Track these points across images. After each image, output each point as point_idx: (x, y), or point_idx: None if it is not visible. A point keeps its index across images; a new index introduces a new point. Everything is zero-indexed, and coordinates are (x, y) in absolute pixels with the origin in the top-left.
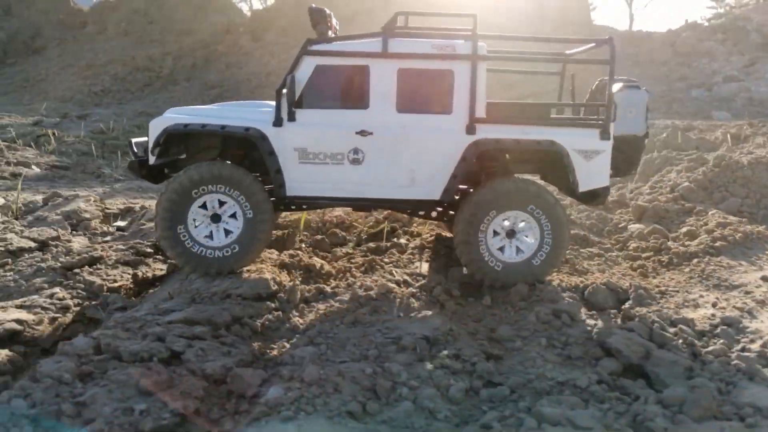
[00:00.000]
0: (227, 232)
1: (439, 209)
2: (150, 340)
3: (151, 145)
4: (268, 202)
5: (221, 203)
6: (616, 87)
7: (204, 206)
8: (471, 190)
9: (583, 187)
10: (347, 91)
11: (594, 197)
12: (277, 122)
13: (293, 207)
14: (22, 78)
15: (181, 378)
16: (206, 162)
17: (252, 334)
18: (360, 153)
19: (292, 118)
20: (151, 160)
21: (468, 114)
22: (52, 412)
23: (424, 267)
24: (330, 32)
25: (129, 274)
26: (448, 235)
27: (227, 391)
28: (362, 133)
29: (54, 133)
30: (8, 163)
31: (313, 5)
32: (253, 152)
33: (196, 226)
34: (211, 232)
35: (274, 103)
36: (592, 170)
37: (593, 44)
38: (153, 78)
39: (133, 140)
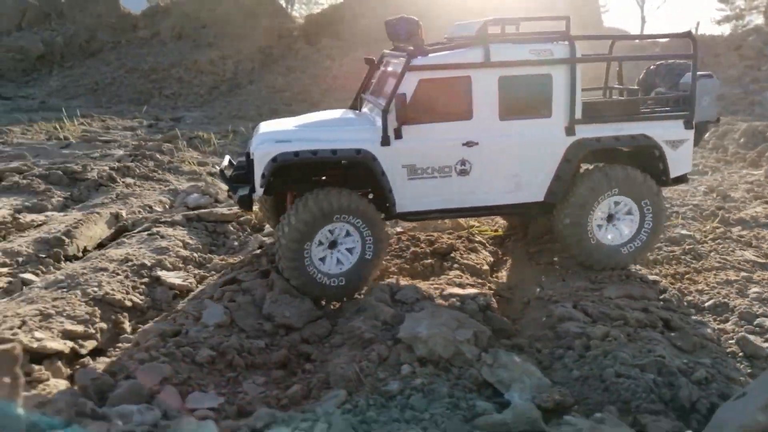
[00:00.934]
0: (338, 262)
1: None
2: None
3: (258, 175)
4: (387, 242)
5: (347, 234)
6: (688, 77)
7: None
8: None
9: (673, 174)
10: (451, 103)
11: (679, 181)
12: (385, 141)
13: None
14: (89, 81)
15: None
16: (341, 190)
17: None
18: (467, 164)
19: (399, 135)
20: (259, 192)
21: (567, 116)
22: None
23: None
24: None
25: None
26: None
27: None
28: (468, 144)
29: (206, 135)
30: (201, 163)
31: (404, 15)
32: (350, 171)
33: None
34: (325, 256)
35: (350, 115)
36: (679, 158)
37: (669, 37)
38: (218, 81)
39: (223, 168)
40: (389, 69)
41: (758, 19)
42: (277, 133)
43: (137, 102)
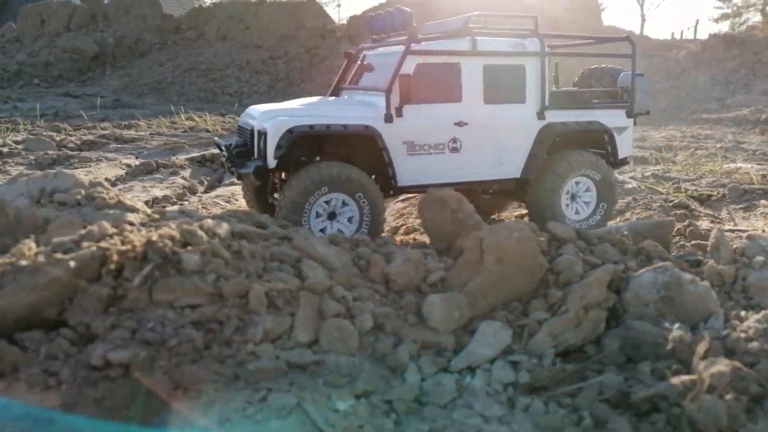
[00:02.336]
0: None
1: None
2: None
3: (272, 147)
4: (383, 208)
5: (344, 204)
6: (625, 76)
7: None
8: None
9: (620, 156)
10: (444, 86)
11: (623, 163)
12: (388, 119)
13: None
14: (150, 80)
15: None
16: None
17: None
18: (458, 142)
19: (400, 114)
20: (272, 163)
21: (538, 102)
22: None
23: None
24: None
25: None
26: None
27: None
28: (459, 123)
29: None
30: None
31: (399, 6)
32: (351, 148)
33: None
34: (325, 227)
35: (345, 99)
36: (623, 142)
37: (611, 40)
38: (273, 80)
39: (220, 142)
40: (370, 62)
41: (756, 17)
42: (287, 110)
43: (204, 100)
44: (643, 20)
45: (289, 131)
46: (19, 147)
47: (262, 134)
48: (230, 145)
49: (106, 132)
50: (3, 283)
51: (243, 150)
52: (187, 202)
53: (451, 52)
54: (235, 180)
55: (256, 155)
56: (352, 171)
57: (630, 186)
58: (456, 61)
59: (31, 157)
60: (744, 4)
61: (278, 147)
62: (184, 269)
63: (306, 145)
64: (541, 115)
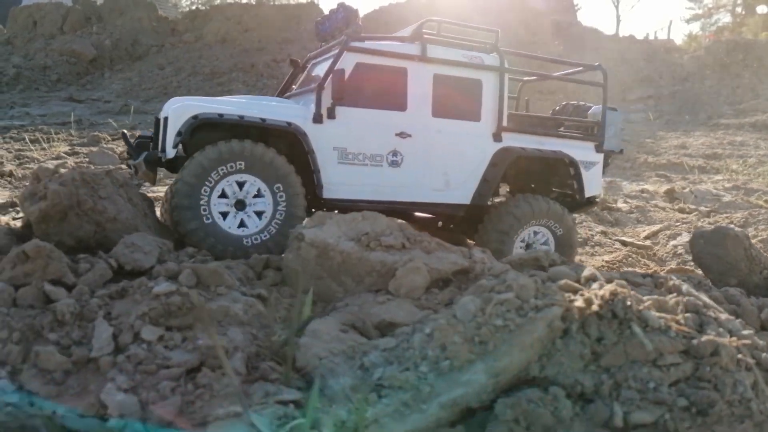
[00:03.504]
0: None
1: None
2: None
3: (171, 134)
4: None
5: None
6: (597, 109)
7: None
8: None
9: (586, 194)
10: (386, 91)
11: (590, 204)
12: (317, 119)
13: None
14: (153, 84)
15: None
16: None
17: None
18: (399, 155)
19: (332, 115)
20: (170, 153)
21: (495, 122)
22: None
23: None
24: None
25: None
26: None
27: None
28: (402, 134)
29: None
30: None
31: (344, 2)
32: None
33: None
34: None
35: (276, 98)
36: (591, 178)
37: (581, 68)
38: (279, 84)
39: (126, 132)
40: (316, 71)
41: (726, 18)
42: (201, 100)
43: None
44: (619, 21)
45: (193, 117)
46: (85, 161)
47: (165, 120)
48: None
49: None
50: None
51: (144, 141)
52: None
53: (396, 55)
54: None
55: (158, 145)
56: (279, 158)
57: (727, 199)
58: (403, 66)
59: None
60: (715, 5)
61: (178, 134)
62: (648, 327)
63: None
64: (497, 137)
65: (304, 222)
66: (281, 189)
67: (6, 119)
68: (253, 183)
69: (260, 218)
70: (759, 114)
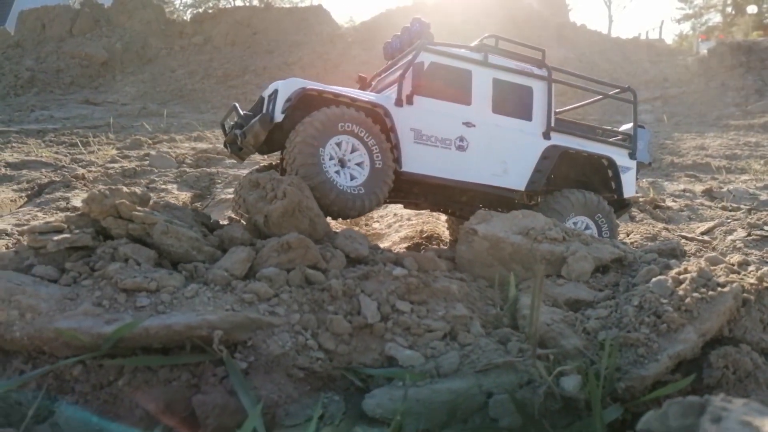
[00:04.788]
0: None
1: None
2: None
3: (281, 102)
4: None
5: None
6: (628, 126)
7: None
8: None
9: (624, 195)
10: (454, 88)
11: (624, 206)
12: (398, 103)
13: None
14: (170, 87)
15: None
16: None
17: None
18: (465, 141)
19: (410, 102)
20: (278, 117)
21: (544, 123)
22: None
23: None
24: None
25: None
26: None
27: None
28: (468, 124)
29: None
30: None
31: (420, 18)
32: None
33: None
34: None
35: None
36: (627, 182)
37: (619, 89)
38: None
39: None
40: (384, 83)
41: (716, 17)
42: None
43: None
44: (611, 21)
45: (303, 89)
46: (145, 164)
47: (275, 93)
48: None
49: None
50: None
51: (249, 115)
52: None
53: (463, 58)
54: None
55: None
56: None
57: (763, 198)
58: (468, 68)
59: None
60: (705, 5)
61: (287, 100)
62: None
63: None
64: (546, 135)
65: (471, 219)
66: (377, 148)
67: (33, 122)
68: (347, 141)
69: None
70: (767, 116)
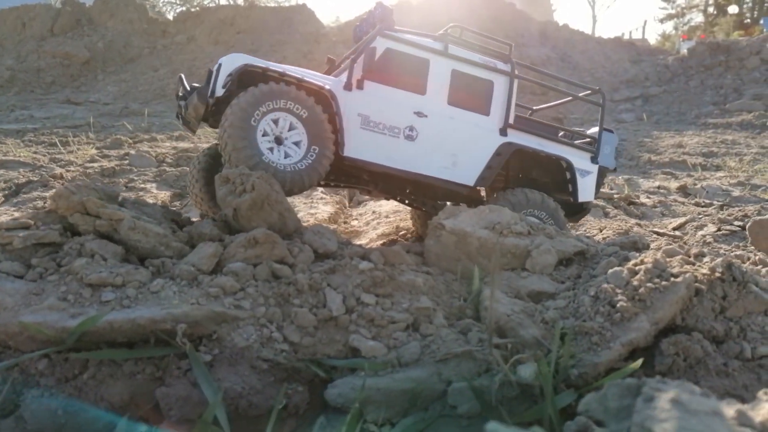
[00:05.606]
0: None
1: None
2: None
3: (222, 77)
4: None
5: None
6: (594, 129)
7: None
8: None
9: (580, 199)
10: (409, 76)
11: (581, 210)
12: (347, 87)
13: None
14: (151, 86)
15: None
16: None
17: None
18: (414, 131)
19: (360, 86)
20: (219, 91)
21: (502, 119)
22: None
23: None
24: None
25: None
26: None
27: None
28: (419, 114)
29: None
30: None
31: (382, 2)
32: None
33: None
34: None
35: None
36: (586, 186)
37: (589, 91)
38: None
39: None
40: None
41: (698, 17)
42: (250, 57)
43: None
44: (594, 21)
45: (245, 65)
46: (124, 164)
47: (218, 67)
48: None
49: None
50: (651, 300)
51: (196, 87)
52: None
53: (421, 47)
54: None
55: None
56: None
57: (735, 194)
58: (426, 57)
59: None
60: (687, 5)
61: (228, 75)
62: (759, 286)
63: None
64: (503, 132)
65: (439, 214)
66: (316, 129)
67: (12, 122)
68: (285, 118)
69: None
70: (744, 114)
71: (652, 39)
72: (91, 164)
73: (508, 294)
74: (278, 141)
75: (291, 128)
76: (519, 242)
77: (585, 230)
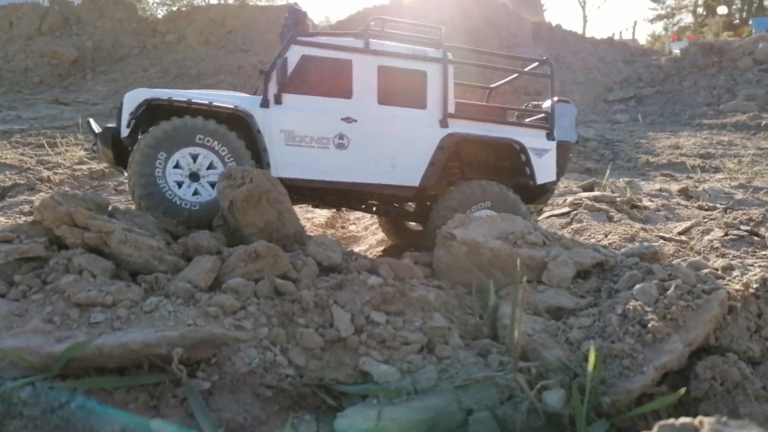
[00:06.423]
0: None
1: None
2: None
3: (126, 116)
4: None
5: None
6: (550, 102)
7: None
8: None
9: (539, 180)
10: (332, 81)
11: (544, 192)
12: (264, 104)
13: None
14: (141, 86)
15: None
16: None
17: None
18: (345, 138)
19: (279, 101)
20: (124, 132)
21: (441, 110)
22: None
23: None
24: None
25: None
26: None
27: None
28: (347, 119)
29: None
30: None
31: (294, 6)
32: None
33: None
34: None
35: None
36: (544, 165)
37: (537, 63)
38: None
39: (91, 120)
40: None
41: (687, 18)
42: (154, 89)
43: None
44: (585, 21)
45: (145, 100)
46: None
47: (121, 106)
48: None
49: None
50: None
51: (109, 128)
52: None
53: (340, 48)
54: None
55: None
56: (230, 133)
57: (738, 197)
58: (347, 58)
59: None
60: (677, 5)
61: (130, 114)
62: None
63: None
64: (444, 123)
65: (449, 223)
66: (227, 153)
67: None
68: (206, 156)
69: (214, 188)
70: (738, 114)
71: (642, 39)
72: (80, 166)
73: (526, 310)
74: (194, 177)
75: (210, 167)
76: (534, 253)
77: (590, 235)
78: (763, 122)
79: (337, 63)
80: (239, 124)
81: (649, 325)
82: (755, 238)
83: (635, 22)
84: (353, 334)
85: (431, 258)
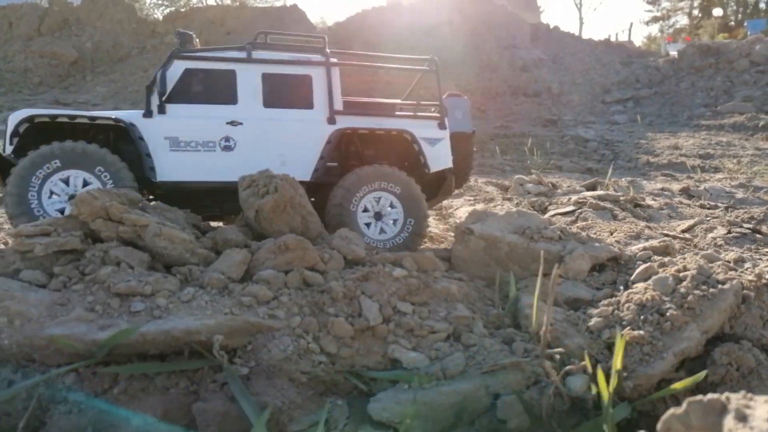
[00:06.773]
0: None
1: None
2: None
3: (8, 134)
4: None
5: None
6: (444, 96)
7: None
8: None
9: (433, 168)
10: (216, 90)
11: (443, 180)
12: (147, 114)
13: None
14: (142, 88)
15: None
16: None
17: None
18: (231, 140)
19: (162, 111)
20: (7, 150)
21: (328, 108)
22: None
23: None
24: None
25: None
26: None
27: None
28: (232, 123)
29: None
30: None
31: (180, 30)
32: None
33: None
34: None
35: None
36: (437, 153)
37: (425, 65)
38: None
39: None
40: None
41: (683, 20)
42: (39, 108)
43: None
44: (581, 23)
45: (27, 119)
46: None
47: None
48: None
49: None
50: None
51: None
52: None
53: (222, 59)
54: None
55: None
56: (90, 146)
57: (739, 196)
58: (231, 68)
59: None
60: (673, 7)
61: (13, 134)
62: None
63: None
64: (331, 120)
65: (465, 219)
66: (103, 171)
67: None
68: (77, 176)
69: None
70: (736, 115)
71: (638, 41)
72: None
73: (545, 301)
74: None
75: (85, 183)
76: (551, 247)
77: (595, 233)
78: (761, 123)
79: (221, 73)
80: (127, 136)
81: (668, 313)
82: (758, 235)
83: (631, 24)
84: (381, 323)
85: (449, 252)
